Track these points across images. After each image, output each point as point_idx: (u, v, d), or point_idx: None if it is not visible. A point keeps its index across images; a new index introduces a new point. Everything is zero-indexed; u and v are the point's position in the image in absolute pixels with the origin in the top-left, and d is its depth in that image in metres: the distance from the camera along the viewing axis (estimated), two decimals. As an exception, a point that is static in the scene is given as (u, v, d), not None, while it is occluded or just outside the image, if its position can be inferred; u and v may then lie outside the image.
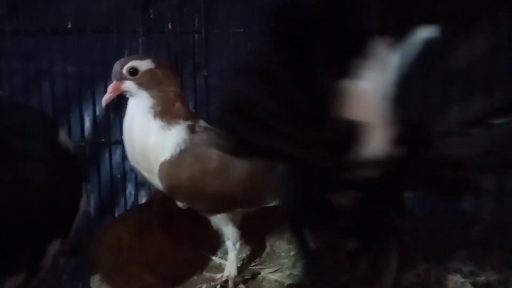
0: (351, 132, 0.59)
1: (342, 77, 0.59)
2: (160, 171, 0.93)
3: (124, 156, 1.24)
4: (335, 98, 0.59)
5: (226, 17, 1.21)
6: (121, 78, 0.94)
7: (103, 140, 1.28)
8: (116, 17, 1.21)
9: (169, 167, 0.93)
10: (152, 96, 0.94)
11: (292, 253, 1.05)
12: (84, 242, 1.06)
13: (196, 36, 1.25)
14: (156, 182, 0.95)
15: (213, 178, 0.93)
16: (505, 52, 0.58)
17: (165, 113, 0.94)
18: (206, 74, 1.24)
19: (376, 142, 0.60)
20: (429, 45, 0.58)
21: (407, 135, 0.59)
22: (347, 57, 0.60)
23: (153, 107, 0.94)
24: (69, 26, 1.21)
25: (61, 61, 1.23)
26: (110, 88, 0.95)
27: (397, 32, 0.59)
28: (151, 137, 0.93)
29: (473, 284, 1.14)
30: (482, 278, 1.16)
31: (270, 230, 1.09)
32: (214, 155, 0.92)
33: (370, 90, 0.60)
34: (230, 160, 0.92)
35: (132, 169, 1.12)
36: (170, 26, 1.24)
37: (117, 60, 0.96)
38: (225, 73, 0.85)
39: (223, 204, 0.95)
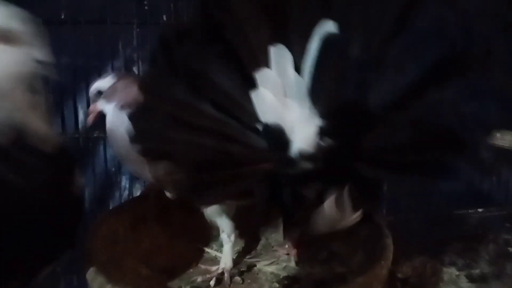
0: (274, 134, 0.62)
1: (244, 86, 0.63)
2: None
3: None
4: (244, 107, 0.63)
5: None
6: (94, 101, 1.03)
7: (97, 132, 1.28)
8: (110, 8, 1.20)
9: None
10: (119, 101, 0.98)
11: (287, 245, 1.05)
12: (79, 235, 1.05)
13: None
14: (147, 173, 0.95)
15: None
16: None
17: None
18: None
19: (300, 138, 0.62)
20: (330, 39, 0.60)
21: (331, 126, 0.61)
22: (245, 68, 0.63)
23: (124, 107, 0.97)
24: (63, 16, 1.20)
25: (55, 53, 1.22)
26: (89, 111, 1.04)
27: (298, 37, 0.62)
28: None
29: (467, 276, 1.15)
30: (477, 271, 1.17)
31: (265, 223, 1.09)
32: None
33: (272, 94, 0.62)
34: None
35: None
36: (164, 17, 1.23)
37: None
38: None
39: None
